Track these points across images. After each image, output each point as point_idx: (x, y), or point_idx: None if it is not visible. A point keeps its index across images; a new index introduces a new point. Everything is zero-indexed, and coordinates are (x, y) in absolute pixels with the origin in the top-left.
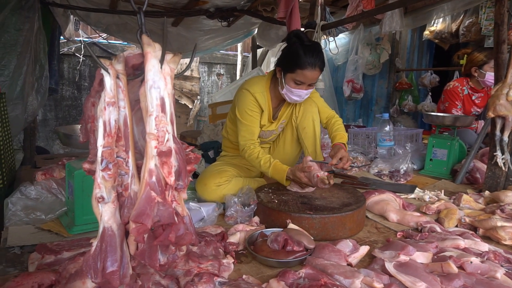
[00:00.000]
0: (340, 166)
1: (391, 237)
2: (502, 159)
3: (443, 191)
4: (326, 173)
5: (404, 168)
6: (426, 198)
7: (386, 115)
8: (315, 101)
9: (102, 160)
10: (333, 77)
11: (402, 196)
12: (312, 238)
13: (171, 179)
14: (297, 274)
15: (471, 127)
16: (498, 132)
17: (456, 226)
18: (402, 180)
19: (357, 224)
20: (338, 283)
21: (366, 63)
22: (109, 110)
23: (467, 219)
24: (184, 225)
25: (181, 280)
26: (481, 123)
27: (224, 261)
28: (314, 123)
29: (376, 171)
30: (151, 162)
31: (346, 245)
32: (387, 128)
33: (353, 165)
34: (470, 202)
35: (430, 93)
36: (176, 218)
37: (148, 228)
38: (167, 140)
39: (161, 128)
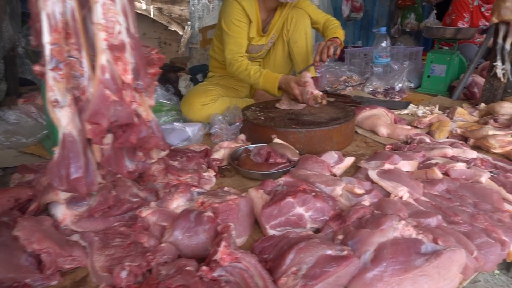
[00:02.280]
0: (324, 58)
1: (380, 150)
2: (502, 69)
3: (437, 106)
4: (321, 93)
5: (400, 85)
6: (419, 113)
7: (383, 29)
8: (307, 10)
9: (51, 59)
10: None
11: (396, 112)
12: (298, 152)
13: (128, 77)
14: (276, 182)
15: (475, 42)
16: (500, 40)
17: (448, 137)
18: (397, 97)
19: (345, 138)
20: (318, 190)
21: None
22: (52, 1)
23: (459, 130)
24: (147, 127)
25: (160, 192)
26: None
27: (205, 174)
28: (306, 37)
29: (371, 89)
30: (103, 57)
31: (330, 157)
32: (383, 44)
33: (347, 84)
34: (464, 115)
35: (434, 10)
36: (136, 119)
37: (105, 128)
38: (118, 33)
39: (110, 18)
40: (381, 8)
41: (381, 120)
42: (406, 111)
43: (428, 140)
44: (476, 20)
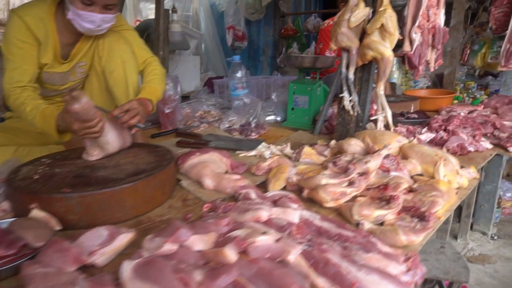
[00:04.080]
0: (124, 120)
1: (193, 212)
2: (349, 101)
3: (289, 144)
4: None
5: (255, 121)
6: (267, 154)
7: (237, 58)
8: (129, 39)
9: None
10: (218, 25)
11: (241, 154)
12: (59, 227)
13: None
14: None
15: None
16: (344, 69)
17: (285, 187)
18: (254, 134)
19: (149, 199)
20: None
21: (246, 6)
22: None
23: (294, 178)
24: None
25: None
26: None
27: None
28: (124, 65)
29: (227, 125)
30: None
31: (95, 236)
32: (238, 74)
33: (203, 120)
34: (311, 155)
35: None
36: None
37: None
38: None
39: None
40: (265, 37)
41: (207, 169)
42: (253, 153)
43: (253, 195)
44: None
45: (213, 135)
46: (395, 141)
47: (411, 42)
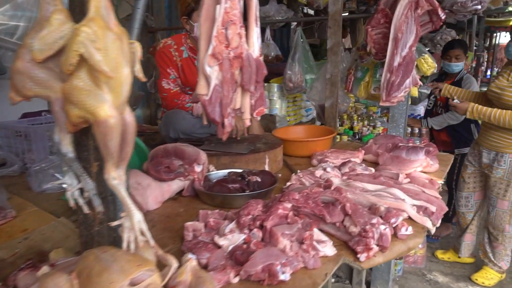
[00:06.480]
0: None
1: None
2: (80, 191)
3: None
4: None
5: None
6: None
7: None
8: None
9: None
10: None
11: None
12: None
13: None
14: None
15: (186, 108)
16: (56, 137)
17: None
18: None
19: None
20: None
21: None
22: None
23: None
24: None
25: None
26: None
27: None
28: None
29: None
30: None
31: None
32: None
33: None
34: None
35: None
36: None
37: None
38: None
39: None
40: None
41: None
42: None
43: None
44: (193, 77)
45: None
46: (127, 285)
47: (208, 81)
